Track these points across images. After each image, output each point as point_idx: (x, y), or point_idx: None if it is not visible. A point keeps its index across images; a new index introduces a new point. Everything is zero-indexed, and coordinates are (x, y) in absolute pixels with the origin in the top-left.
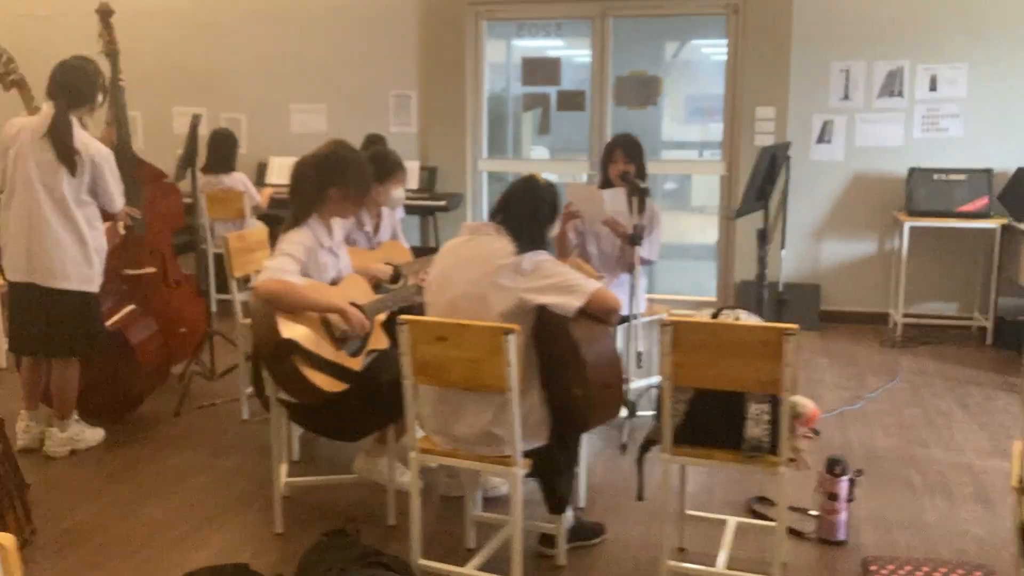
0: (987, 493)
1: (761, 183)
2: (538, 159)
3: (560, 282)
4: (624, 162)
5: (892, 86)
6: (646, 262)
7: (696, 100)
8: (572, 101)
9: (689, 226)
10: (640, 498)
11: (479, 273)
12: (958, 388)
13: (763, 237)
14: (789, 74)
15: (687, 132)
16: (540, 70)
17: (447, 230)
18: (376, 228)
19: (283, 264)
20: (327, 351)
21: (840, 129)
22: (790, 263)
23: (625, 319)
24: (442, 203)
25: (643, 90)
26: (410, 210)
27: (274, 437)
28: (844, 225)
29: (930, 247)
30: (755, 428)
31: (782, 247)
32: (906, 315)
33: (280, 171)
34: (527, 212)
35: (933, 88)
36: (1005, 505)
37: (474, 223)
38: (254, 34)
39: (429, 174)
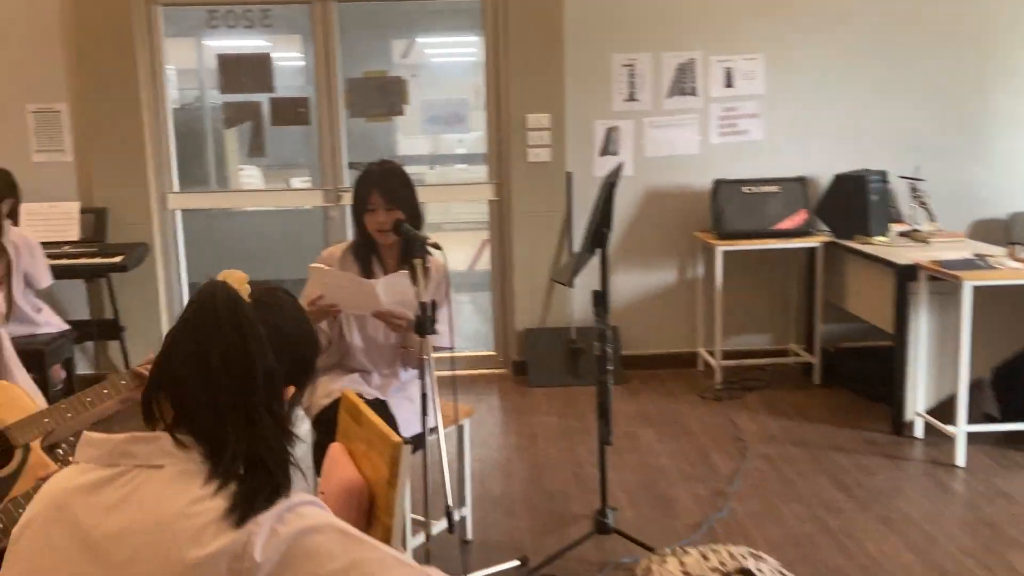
0: None
1: (598, 224)
2: (252, 188)
3: None
4: (387, 208)
5: (684, 82)
6: (441, 350)
7: (435, 106)
8: (291, 112)
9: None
10: None
11: None
12: (822, 458)
13: (601, 300)
14: (564, 73)
15: (426, 145)
16: (246, 73)
17: (129, 298)
18: None
19: None
20: None
21: (627, 137)
22: (580, 303)
23: (417, 441)
24: (115, 259)
25: (384, 96)
26: (69, 273)
27: None
28: (639, 252)
29: (739, 272)
30: None
31: (571, 285)
32: (723, 354)
33: None
34: (236, 391)
35: (729, 84)
36: None
37: (112, 440)
38: None
39: (96, 218)
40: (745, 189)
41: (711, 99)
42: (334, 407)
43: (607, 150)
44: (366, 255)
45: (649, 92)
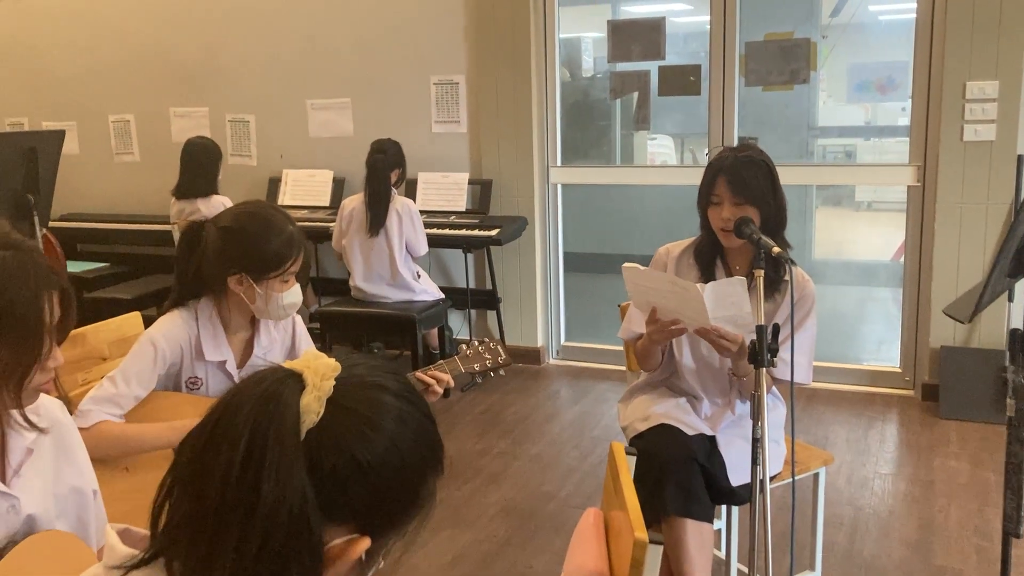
0: None
1: (1020, 247)
2: (635, 165)
3: None
4: (734, 203)
5: None
6: (782, 383)
7: (861, 71)
8: (681, 81)
9: (853, 231)
10: None
11: None
12: None
13: (1022, 343)
14: None
15: (849, 115)
16: (635, 39)
17: (507, 269)
18: (245, 353)
19: None
20: None
21: None
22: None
23: (731, 495)
24: (492, 232)
25: (787, 62)
26: (450, 242)
27: None
28: None
29: None
30: None
31: (1009, 298)
32: None
33: (296, 190)
34: (229, 530)
35: None
36: None
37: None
38: (259, 11)
39: (482, 190)
40: None
41: None
42: (652, 436)
43: None
44: (709, 258)
45: None
